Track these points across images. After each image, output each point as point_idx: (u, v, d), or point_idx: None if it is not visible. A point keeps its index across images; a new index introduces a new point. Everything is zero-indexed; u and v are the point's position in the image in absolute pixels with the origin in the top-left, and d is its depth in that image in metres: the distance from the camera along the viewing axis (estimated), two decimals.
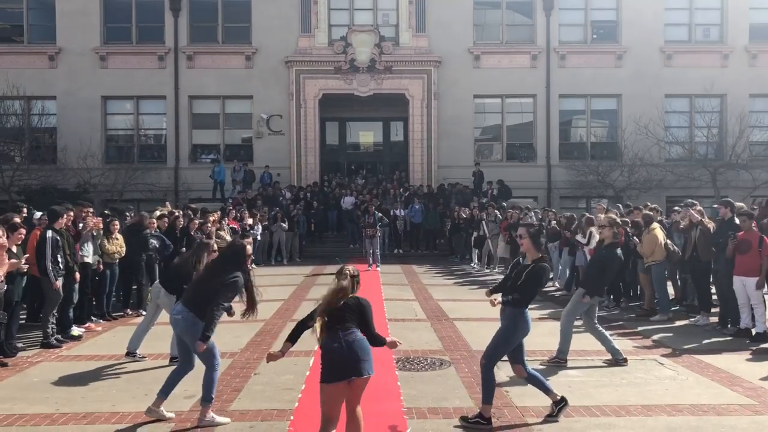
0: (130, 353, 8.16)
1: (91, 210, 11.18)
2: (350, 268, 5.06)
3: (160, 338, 8.35)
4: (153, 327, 8.34)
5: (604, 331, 8.08)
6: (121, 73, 25.17)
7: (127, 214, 14.83)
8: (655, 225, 11.25)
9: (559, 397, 5.99)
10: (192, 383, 6.26)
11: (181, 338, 6.04)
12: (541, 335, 8.96)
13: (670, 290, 11.89)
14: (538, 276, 6.04)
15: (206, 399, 5.93)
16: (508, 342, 5.99)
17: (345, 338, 4.73)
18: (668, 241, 11.18)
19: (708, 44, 26.36)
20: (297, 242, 21.00)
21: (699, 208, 11.14)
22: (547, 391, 6.03)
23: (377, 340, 4.97)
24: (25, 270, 8.52)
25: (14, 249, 8.34)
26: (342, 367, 4.66)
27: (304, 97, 25.42)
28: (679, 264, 11.48)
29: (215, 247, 7.13)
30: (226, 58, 25.71)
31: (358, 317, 4.88)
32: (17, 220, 8.87)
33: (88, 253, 10.44)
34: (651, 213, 11.65)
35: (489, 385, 5.88)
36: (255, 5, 25.58)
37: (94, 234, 10.66)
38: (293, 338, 5.01)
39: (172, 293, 7.24)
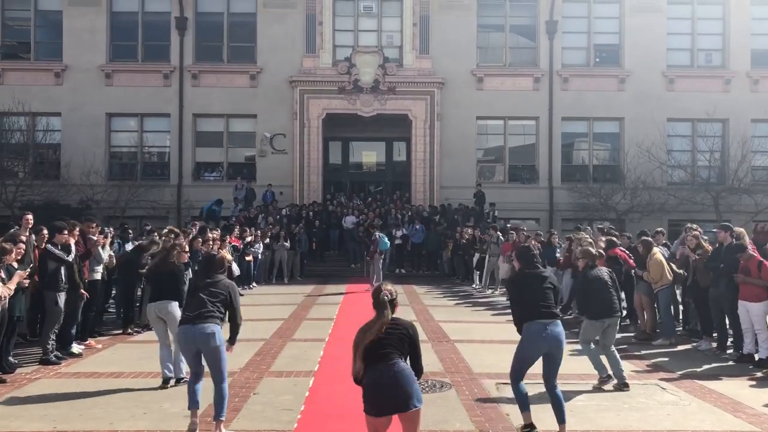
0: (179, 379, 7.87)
1: (97, 226, 11.19)
2: (388, 289, 4.73)
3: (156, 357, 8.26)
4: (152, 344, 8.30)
5: (616, 354, 7.98)
6: (127, 90, 25.33)
7: (146, 228, 14.74)
8: (656, 250, 11.21)
9: (529, 422, 6.08)
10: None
11: (199, 352, 6.10)
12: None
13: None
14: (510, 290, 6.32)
15: (221, 414, 6.03)
16: (517, 358, 6.16)
17: (388, 370, 4.43)
18: (671, 264, 11.16)
19: (710, 69, 26.51)
20: (298, 261, 20.99)
21: (695, 232, 11.11)
22: (560, 419, 6.05)
23: (421, 371, 4.70)
24: (27, 285, 8.51)
25: (15, 264, 8.34)
26: (384, 402, 4.40)
27: (307, 117, 25.56)
28: (682, 288, 11.45)
29: (185, 247, 7.85)
30: (231, 77, 25.89)
31: (408, 347, 4.61)
32: (23, 238, 8.93)
33: (98, 270, 10.52)
34: (649, 239, 11.60)
35: (519, 398, 6.13)
36: (260, 25, 25.81)
37: (101, 251, 10.76)
38: None
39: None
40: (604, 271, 8.13)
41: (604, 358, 7.91)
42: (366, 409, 4.46)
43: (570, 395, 7.55)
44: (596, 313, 7.82)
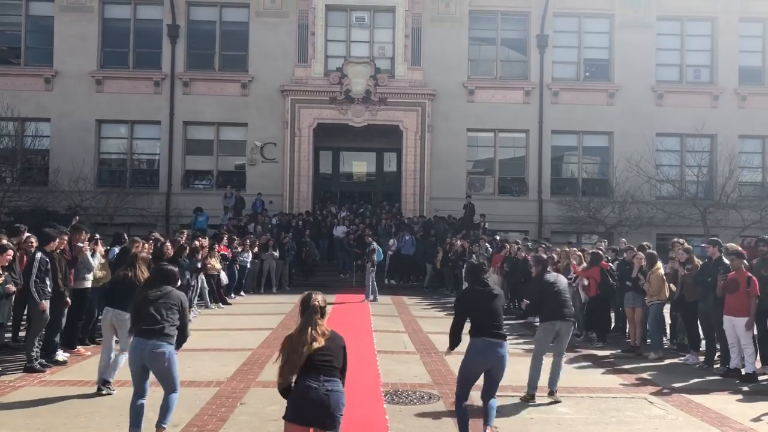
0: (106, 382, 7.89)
1: (86, 233, 11.11)
2: (318, 297, 4.71)
3: None
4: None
5: (540, 366, 7.91)
6: (117, 97, 25.23)
7: (154, 235, 14.58)
8: (659, 264, 11.26)
9: None
10: (178, 411, 6.15)
11: (146, 368, 5.96)
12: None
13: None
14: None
15: (165, 422, 5.94)
16: (462, 373, 6.23)
17: (325, 384, 4.47)
18: (670, 284, 11.20)
19: (699, 85, 26.77)
20: (287, 271, 20.92)
21: (687, 246, 11.20)
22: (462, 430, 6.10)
23: (343, 380, 4.71)
24: (13, 290, 8.43)
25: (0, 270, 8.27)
26: (308, 415, 4.43)
27: (298, 126, 25.56)
28: (671, 302, 11.51)
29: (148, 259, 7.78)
30: (222, 85, 25.87)
31: (342, 360, 4.65)
32: (4, 241, 8.84)
33: (88, 278, 10.43)
34: (655, 252, 11.67)
35: (462, 418, 6.12)
36: (252, 34, 25.84)
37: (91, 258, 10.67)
38: None
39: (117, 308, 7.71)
40: (561, 278, 8.30)
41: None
42: (287, 415, 4.48)
43: (558, 408, 7.56)
44: (548, 314, 7.86)
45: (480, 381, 6.25)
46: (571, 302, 8.25)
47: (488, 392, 6.22)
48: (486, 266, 6.82)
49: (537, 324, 8.18)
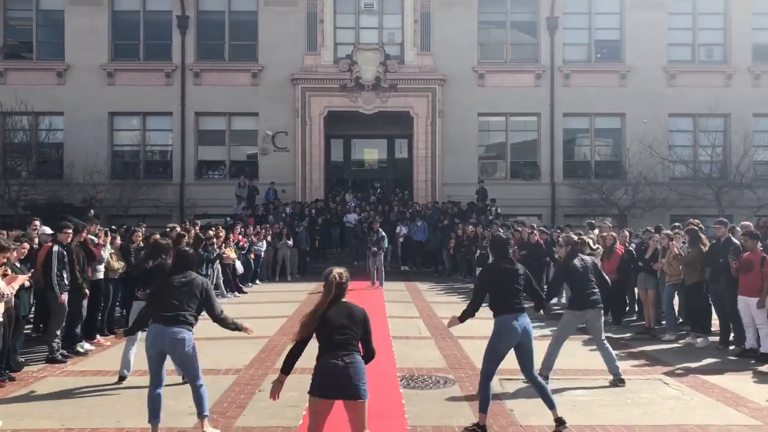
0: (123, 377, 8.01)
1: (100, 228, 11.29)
2: (339, 272, 4.86)
3: None
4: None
5: (558, 350, 7.93)
6: (129, 89, 25.35)
7: (171, 226, 14.71)
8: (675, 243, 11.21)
9: (483, 423, 6.07)
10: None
11: (163, 354, 5.99)
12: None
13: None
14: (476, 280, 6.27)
15: (204, 411, 6.01)
16: (492, 351, 6.21)
17: (344, 359, 4.65)
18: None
19: (711, 64, 26.50)
20: (301, 259, 21.05)
21: (693, 227, 11.09)
22: (550, 405, 6.12)
23: (372, 353, 4.90)
24: (29, 285, 8.57)
25: (18, 264, 8.40)
26: (332, 389, 4.62)
27: (309, 115, 25.58)
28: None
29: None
30: (233, 75, 25.92)
31: (362, 331, 4.80)
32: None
33: (100, 269, 10.60)
34: (696, 228, 11.47)
35: (484, 396, 6.11)
36: (262, 23, 25.83)
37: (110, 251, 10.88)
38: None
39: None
40: (588, 260, 8.04)
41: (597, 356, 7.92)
42: (313, 391, 4.66)
43: (573, 391, 7.60)
44: (577, 303, 7.80)
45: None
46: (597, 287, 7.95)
47: (529, 366, 6.22)
48: (511, 241, 6.82)
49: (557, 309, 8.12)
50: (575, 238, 8.30)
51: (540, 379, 6.36)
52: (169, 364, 6.10)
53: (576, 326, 7.94)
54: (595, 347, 9.65)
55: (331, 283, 4.79)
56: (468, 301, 6.51)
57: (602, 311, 8.11)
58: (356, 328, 4.76)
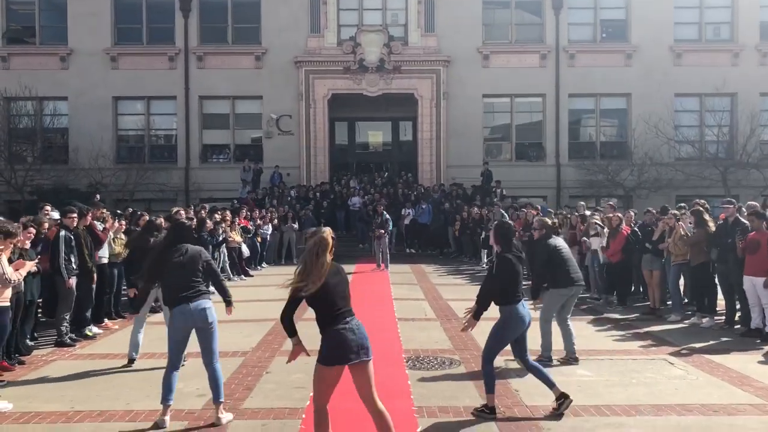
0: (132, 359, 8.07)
1: (106, 211, 11.33)
2: (325, 229, 5.08)
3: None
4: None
5: (551, 329, 7.99)
6: (132, 73, 25.32)
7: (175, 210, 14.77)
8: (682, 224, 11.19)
9: (492, 404, 6.07)
10: (204, 381, 6.32)
11: (188, 335, 6.01)
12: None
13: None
14: (494, 269, 6.25)
15: (220, 396, 6.02)
16: (500, 342, 6.21)
17: (350, 322, 4.71)
18: None
19: (718, 43, 26.25)
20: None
21: (698, 208, 11.05)
22: (550, 384, 6.15)
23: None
24: (37, 270, 8.62)
25: (27, 246, 8.46)
26: (348, 352, 4.62)
27: (313, 97, 25.51)
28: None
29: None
30: (236, 58, 25.82)
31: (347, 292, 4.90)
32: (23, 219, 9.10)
33: (105, 254, 10.66)
34: (701, 209, 11.42)
35: (489, 377, 6.10)
36: (264, 6, 25.69)
37: (111, 236, 10.92)
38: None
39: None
40: (562, 241, 8.22)
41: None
42: (326, 360, 4.66)
43: (579, 371, 7.63)
44: (563, 281, 7.82)
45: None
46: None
47: (524, 351, 6.29)
48: (514, 227, 6.86)
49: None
50: (548, 221, 8.37)
51: (533, 361, 6.38)
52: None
53: (560, 304, 7.96)
54: (600, 327, 9.70)
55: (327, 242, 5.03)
56: (477, 288, 6.51)
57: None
58: (347, 286, 4.91)
